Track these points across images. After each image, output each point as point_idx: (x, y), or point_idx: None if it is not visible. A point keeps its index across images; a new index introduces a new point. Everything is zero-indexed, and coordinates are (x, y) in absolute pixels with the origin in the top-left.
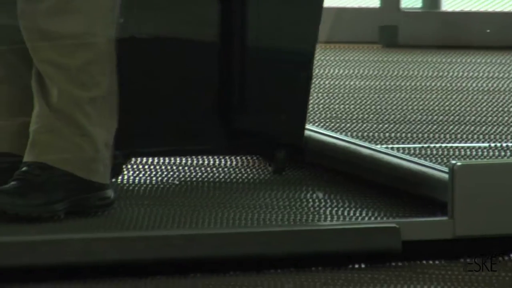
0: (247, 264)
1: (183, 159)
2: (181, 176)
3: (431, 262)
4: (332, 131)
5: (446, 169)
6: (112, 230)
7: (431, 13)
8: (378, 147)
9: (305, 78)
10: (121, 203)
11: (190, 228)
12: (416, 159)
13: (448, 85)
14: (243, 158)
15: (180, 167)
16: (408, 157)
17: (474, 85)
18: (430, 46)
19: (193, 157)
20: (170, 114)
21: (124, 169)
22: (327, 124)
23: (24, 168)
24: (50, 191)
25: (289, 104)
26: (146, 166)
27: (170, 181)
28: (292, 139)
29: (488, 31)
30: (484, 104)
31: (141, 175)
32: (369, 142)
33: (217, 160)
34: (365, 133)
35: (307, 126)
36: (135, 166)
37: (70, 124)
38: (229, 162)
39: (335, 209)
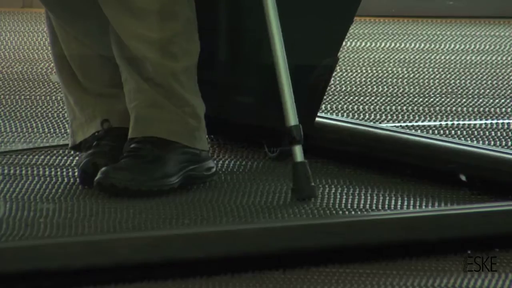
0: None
1: None
2: None
3: None
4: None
5: None
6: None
7: None
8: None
9: (328, 65)
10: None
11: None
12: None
13: None
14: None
15: None
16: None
17: None
18: None
19: None
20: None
21: None
22: (442, 99)
23: (133, 145)
24: (165, 164)
25: (305, 90)
26: None
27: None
28: (302, 126)
29: None
30: None
31: None
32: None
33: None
34: (481, 108)
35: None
36: None
37: (169, 96)
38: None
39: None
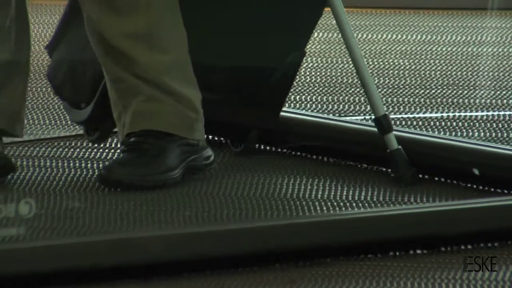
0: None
1: None
2: None
3: None
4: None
5: None
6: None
7: None
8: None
9: (295, 60)
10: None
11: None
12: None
13: None
14: None
15: None
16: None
17: None
18: None
19: None
20: None
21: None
22: (443, 91)
23: (133, 139)
24: (167, 157)
25: (271, 84)
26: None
27: None
28: (266, 122)
29: None
30: None
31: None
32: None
33: None
34: (482, 100)
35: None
36: None
37: (164, 90)
38: None
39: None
